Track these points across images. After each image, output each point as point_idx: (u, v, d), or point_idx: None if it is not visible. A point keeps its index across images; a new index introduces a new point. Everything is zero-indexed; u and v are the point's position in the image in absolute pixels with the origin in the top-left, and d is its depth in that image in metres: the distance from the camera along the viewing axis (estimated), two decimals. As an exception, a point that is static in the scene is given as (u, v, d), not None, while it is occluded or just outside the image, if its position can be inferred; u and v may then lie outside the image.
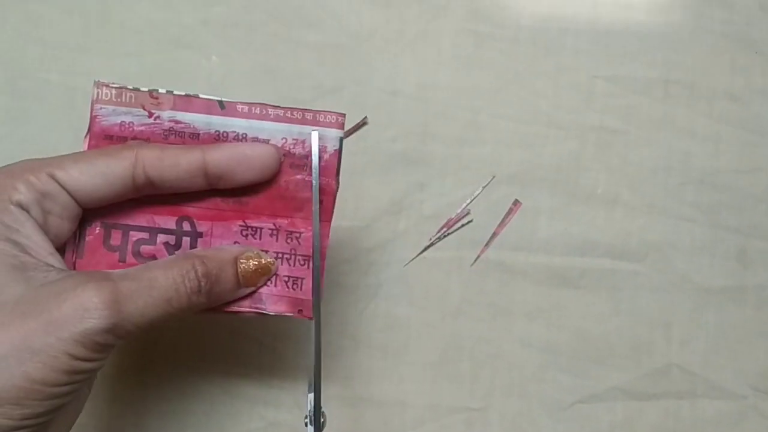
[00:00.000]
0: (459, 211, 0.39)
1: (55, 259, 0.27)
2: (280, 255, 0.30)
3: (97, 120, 0.29)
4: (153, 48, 0.40)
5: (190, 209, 0.30)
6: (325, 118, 0.30)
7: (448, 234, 0.39)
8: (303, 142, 0.30)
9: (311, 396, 0.30)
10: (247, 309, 0.30)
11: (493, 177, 0.39)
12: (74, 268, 0.29)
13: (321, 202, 0.30)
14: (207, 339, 0.39)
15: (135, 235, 0.29)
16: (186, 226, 0.30)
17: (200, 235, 0.30)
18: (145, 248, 0.29)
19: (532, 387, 0.39)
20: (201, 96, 0.30)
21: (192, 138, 0.29)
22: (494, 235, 0.39)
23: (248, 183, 0.29)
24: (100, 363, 0.25)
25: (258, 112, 0.30)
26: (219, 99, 0.30)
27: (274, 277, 0.30)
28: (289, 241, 0.30)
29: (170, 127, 0.29)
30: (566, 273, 0.39)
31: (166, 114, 0.29)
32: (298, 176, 0.30)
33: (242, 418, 0.38)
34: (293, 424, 0.38)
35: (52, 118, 0.40)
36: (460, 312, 0.39)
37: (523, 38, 0.40)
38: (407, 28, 0.40)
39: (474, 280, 0.39)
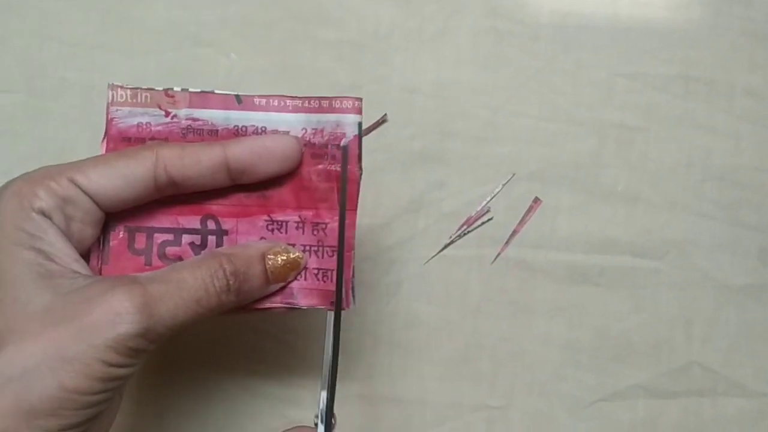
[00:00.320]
0: (479, 208, 0.39)
1: (80, 266, 0.26)
2: (307, 248, 0.30)
3: (113, 122, 0.29)
4: (171, 46, 0.40)
5: (214, 207, 0.29)
6: (341, 104, 0.29)
7: (468, 232, 0.39)
8: (322, 130, 0.29)
9: (323, 394, 0.30)
10: (279, 305, 0.29)
11: (513, 175, 0.39)
12: (100, 275, 0.28)
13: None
14: (227, 337, 0.38)
15: (159, 237, 0.29)
16: (211, 225, 0.29)
17: (225, 232, 0.29)
18: (171, 249, 0.29)
19: (553, 385, 0.39)
20: (217, 92, 0.29)
21: (211, 135, 0.29)
22: (514, 232, 0.39)
23: (271, 176, 0.29)
24: (133, 369, 0.25)
25: (276, 104, 0.29)
26: (236, 93, 0.29)
27: (303, 270, 0.29)
28: (315, 232, 0.30)
29: (188, 125, 0.29)
30: (586, 271, 0.39)
31: (183, 112, 0.29)
32: (320, 166, 0.29)
33: (263, 416, 0.38)
34: (312, 422, 0.38)
35: (69, 116, 0.40)
36: (480, 310, 0.39)
37: (543, 35, 0.40)
38: (426, 26, 0.40)
39: (494, 278, 0.39)
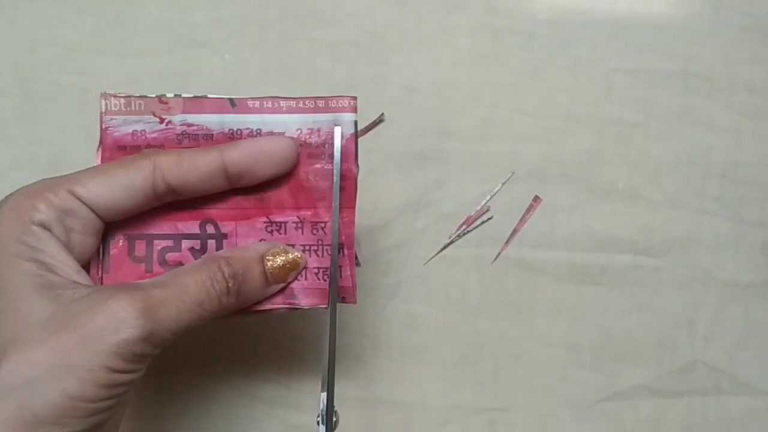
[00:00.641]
0: (478, 208, 0.39)
1: (81, 277, 0.26)
2: (307, 247, 0.30)
3: (108, 132, 0.29)
4: (165, 48, 0.39)
5: (213, 211, 0.29)
6: (337, 103, 0.29)
7: (468, 232, 0.39)
8: (318, 130, 0.29)
9: (324, 395, 0.29)
10: (281, 305, 0.29)
11: (512, 173, 0.39)
12: (102, 284, 0.28)
13: (343, 188, 0.29)
14: (225, 342, 0.38)
15: (159, 244, 0.29)
16: (210, 229, 0.29)
17: (225, 236, 0.29)
18: (171, 255, 0.29)
19: (556, 386, 0.38)
20: (210, 96, 0.29)
21: (206, 139, 0.29)
22: (514, 232, 0.39)
23: (269, 178, 0.29)
24: (137, 375, 0.25)
25: (270, 105, 0.29)
26: (229, 97, 0.29)
27: (304, 270, 0.29)
28: (314, 232, 0.30)
29: (183, 131, 0.29)
30: (588, 269, 0.38)
31: (178, 118, 0.29)
32: (317, 165, 0.29)
33: (261, 421, 0.38)
34: (313, 426, 0.38)
35: (63, 120, 0.39)
36: (481, 311, 0.38)
37: (541, 32, 0.39)
38: (423, 25, 0.39)
39: (494, 278, 0.38)
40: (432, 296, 0.38)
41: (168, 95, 0.29)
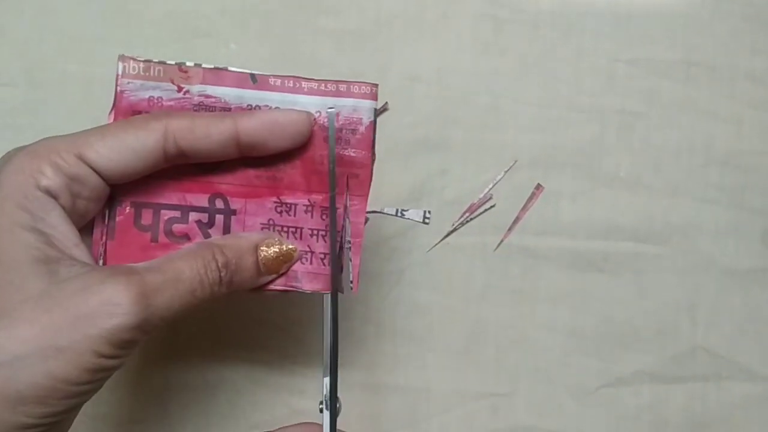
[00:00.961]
0: (481, 196, 0.39)
1: (79, 251, 0.26)
2: (315, 232, 0.29)
3: (124, 95, 0.28)
4: (171, 37, 0.40)
5: (223, 186, 0.29)
6: (359, 89, 0.29)
7: (471, 219, 0.39)
8: (338, 115, 0.29)
9: (326, 380, 0.29)
10: (282, 287, 0.29)
11: (515, 161, 0.39)
12: (105, 249, 0.28)
13: (357, 175, 0.29)
14: (230, 327, 0.38)
15: (166, 214, 0.29)
16: (219, 204, 0.29)
17: (234, 212, 0.29)
18: (178, 227, 0.29)
19: (558, 371, 0.38)
20: (231, 69, 0.29)
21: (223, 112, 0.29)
22: (517, 219, 0.39)
23: (281, 150, 0.28)
24: (123, 361, 0.25)
25: (291, 85, 0.29)
26: (251, 72, 0.29)
27: (309, 254, 0.29)
28: (324, 217, 0.29)
29: (200, 102, 0.29)
30: (590, 257, 0.39)
31: (196, 88, 0.29)
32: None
33: (266, 405, 0.38)
34: (317, 411, 0.38)
35: (70, 109, 0.39)
36: (484, 297, 0.39)
37: (543, 22, 0.39)
38: (426, 14, 0.40)
39: (497, 265, 0.39)
40: (435, 283, 0.39)
41: (188, 63, 0.29)
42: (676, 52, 0.39)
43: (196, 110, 0.29)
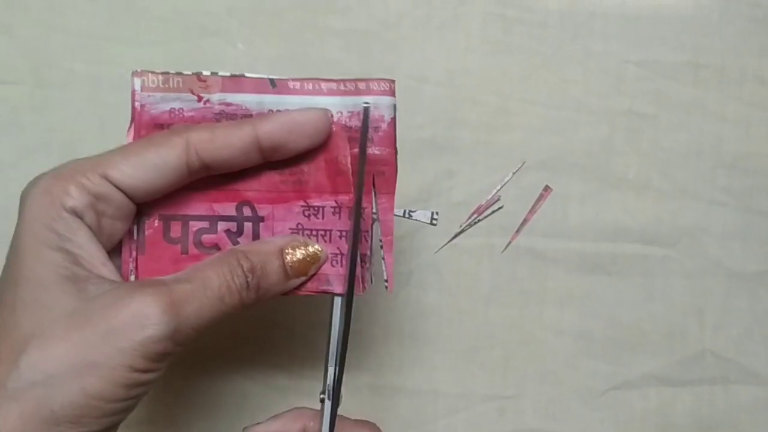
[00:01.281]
0: (489, 197, 0.39)
1: (107, 270, 0.26)
2: (344, 233, 0.29)
3: (144, 109, 0.28)
4: (178, 36, 0.39)
5: (249, 193, 0.29)
6: (378, 86, 0.29)
7: (479, 221, 0.39)
8: (359, 114, 0.29)
9: (331, 370, 0.29)
10: (314, 291, 0.29)
11: (523, 163, 0.39)
12: (136, 264, 0.28)
13: (383, 173, 0.29)
14: (238, 329, 0.38)
15: (195, 225, 0.28)
16: (246, 212, 0.29)
17: (261, 219, 0.29)
18: (207, 237, 0.29)
19: (565, 374, 0.38)
20: (249, 75, 0.28)
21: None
22: (525, 221, 0.39)
23: (302, 150, 0.28)
24: (157, 375, 0.25)
25: (310, 87, 0.29)
26: (269, 77, 0.29)
27: (339, 256, 0.29)
28: (352, 218, 0.29)
29: (221, 110, 0.28)
30: (598, 259, 0.39)
31: (216, 97, 0.28)
32: (356, 150, 0.29)
33: (273, 408, 0.38)
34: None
35: (77, 107, 0.39)
36: (491, 299, 0.39)
37: (552, 23, 0.39)
38: (435, 14, 0.39)
39: (505, 267, 0.39)
40: (443, 285, 0.39)
41: (205, 73, 0.28)
42: (685, 54, 0.39)
43: (217, 119, 0.28)
